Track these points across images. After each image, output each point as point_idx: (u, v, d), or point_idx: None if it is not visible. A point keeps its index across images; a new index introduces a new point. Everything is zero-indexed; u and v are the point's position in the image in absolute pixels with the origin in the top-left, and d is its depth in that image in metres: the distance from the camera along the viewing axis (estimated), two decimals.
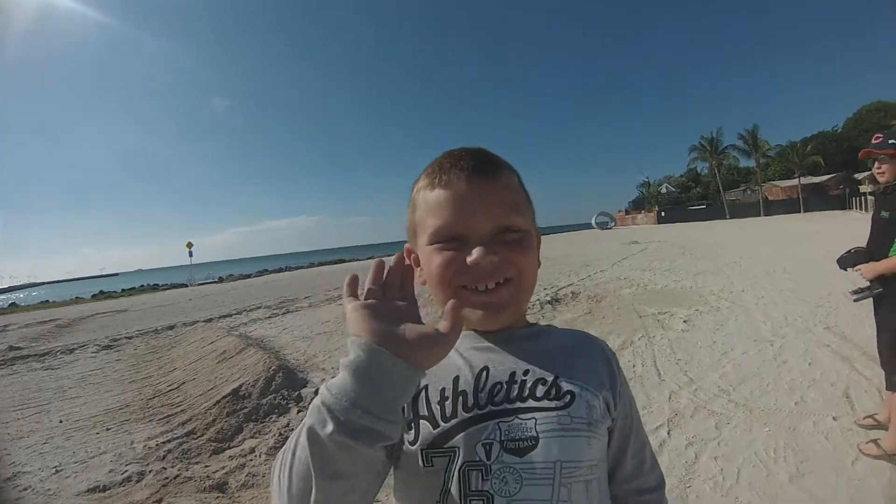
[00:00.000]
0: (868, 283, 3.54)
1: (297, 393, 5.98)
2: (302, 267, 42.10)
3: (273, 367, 6.44)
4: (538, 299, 10.27)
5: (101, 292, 34.19)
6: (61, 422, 6.25)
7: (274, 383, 6.07)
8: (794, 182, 54.01)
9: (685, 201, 69.46)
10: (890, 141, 3.35)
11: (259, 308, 14.45)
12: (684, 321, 7.67)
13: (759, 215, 51.44)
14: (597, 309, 9.26)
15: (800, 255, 14.46)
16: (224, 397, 5.80)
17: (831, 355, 5.59)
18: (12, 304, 36.78)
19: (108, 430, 5.84)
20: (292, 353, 8.18)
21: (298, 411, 5.59)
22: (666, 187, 75.25)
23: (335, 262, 43.91)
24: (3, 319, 19.12)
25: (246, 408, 5.61)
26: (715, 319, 7.63)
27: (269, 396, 5.82)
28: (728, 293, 9.40)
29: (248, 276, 35.73)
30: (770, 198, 56.99)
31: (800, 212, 48.41)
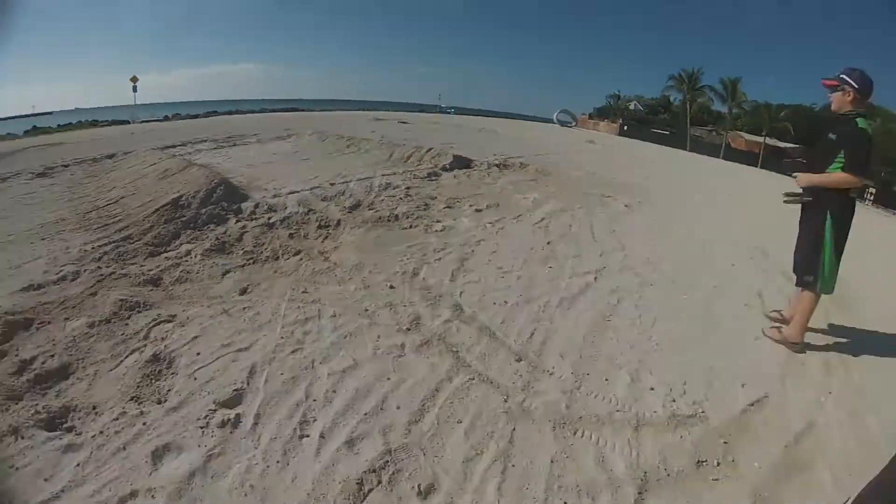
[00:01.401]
0: (801, 191, 4.03)
1: (237, 206, 6.04)
2: (254, 111, 40.58)
3: (215, 181, 6.42)
4: (486, 161, 10.36)
5: (35, 128, 32.49)
6: None
7: (215, 195, 6.09)
8: (760, 139, 54.95)
9: (651, 123, 68.50)
10: (840, 74, 3.73)
11: (205, 141, 13.96)
12: (626, 205, 8.08)
13: (719, 157, 52.34)
14: (542, 179, 9.55)
15: (742, 190, 14.77)
16: (163, 206, 5.81)
17: (753, 265, 6.10)
18: None
19: (42, 240, 5.80)
20: (236, 176, 8.08)
21: (237, 221, 5.70)
22: (635, 105, 73.37)
23: (289, 110, 42.37)
24: None
25: (185, 216, 5.66)
26: (655, 212, 8.05)
27: (209, 207, 5.87)
28: (674, 197, 9.67)
29: (196, 116, 34.22)
30: (733, 145, 57.95)
31: (756, 167, 49.45)
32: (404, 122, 20.73)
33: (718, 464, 2.70)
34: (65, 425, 2.94)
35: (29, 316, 3.99)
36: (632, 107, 73.82)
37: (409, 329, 3.83)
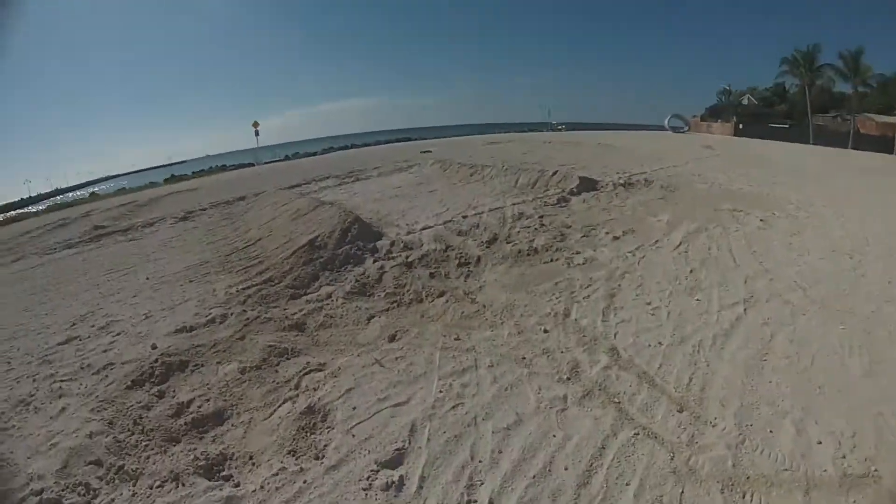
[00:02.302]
0: None
1: (372, 244, 6.18)
2: (368, 144, 42.52)
3: (349, 220, 6.66)
4: (611, 181, 10.18)
5: (173, 176, 36.10)
6: (147, 279, 6.79)
7: (349, 234, 6.31)
8: (894, 120, 48.74)
9: (767, 116, 64.19)
10: None
11: (328, 178, 14.84)
12: (760, 220, 7.58)
13: (847, 147, 47.26)
14: (670, 196, 9.21)
15: (882, 184, 13.05)
16: (300, 247, 6.11)
17: None
18: (92, 193, 39.71)
19: (190, 282, 6.34)
20: (364, 213, 8.37)
21: (374, 261, 5.80)
22: (748, 99, 69.33)
23: (403, 140, 44.06)
24: (86, 207, 20.70)
25: (322, 257, 5.89)
26: (791, 225, 7.44)
27: (345, 247, 6.06)
28: (807, 206, 8.81)
29: (314, 154, 36.47)
30: (862, 131, 51.95)
31: (892, 153, 43.82)
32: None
33: None
34: (222, 474, 3.03)
35: (184, 358, 4.29)
36: (745, 101, 69.99)
37: (569, 378, 3.70)
